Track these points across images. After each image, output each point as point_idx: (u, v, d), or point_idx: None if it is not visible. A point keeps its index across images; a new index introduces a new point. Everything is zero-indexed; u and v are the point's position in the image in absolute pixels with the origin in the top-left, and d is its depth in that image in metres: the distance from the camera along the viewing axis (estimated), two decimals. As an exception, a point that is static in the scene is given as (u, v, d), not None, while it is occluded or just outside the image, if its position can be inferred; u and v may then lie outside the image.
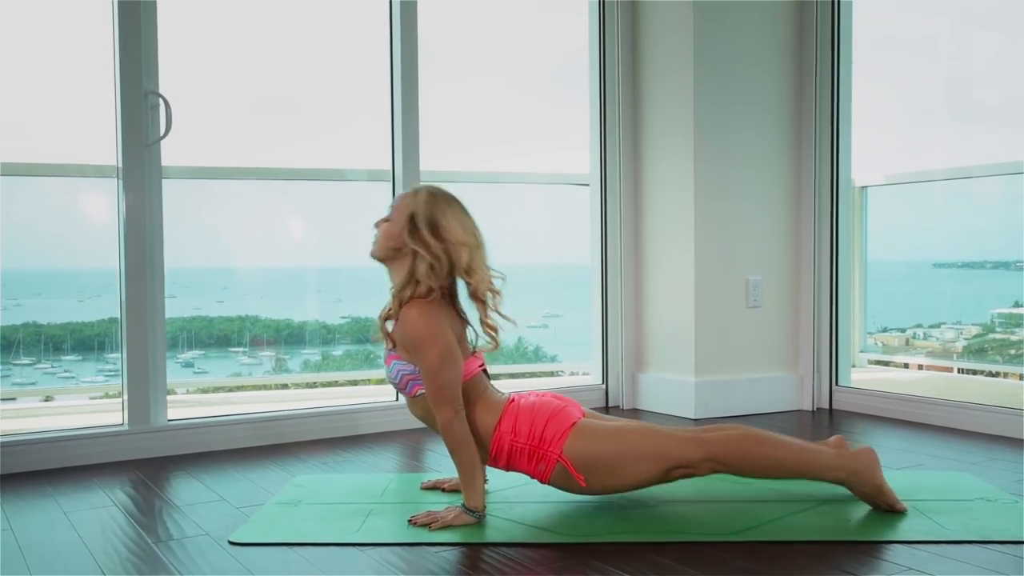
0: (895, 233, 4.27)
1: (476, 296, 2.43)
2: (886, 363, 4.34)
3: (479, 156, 4.06)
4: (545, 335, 4.55)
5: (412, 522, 2.36)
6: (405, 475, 2.96)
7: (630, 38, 4.10)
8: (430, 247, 2.37)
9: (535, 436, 2.39)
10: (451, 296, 2.47)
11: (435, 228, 2.38)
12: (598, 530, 2.31)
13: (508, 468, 2.45)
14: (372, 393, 3.97)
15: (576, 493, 2.45)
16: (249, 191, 3.78)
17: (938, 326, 4.23)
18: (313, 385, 4.19)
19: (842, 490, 2.52)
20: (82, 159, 3.35)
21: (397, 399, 3.70)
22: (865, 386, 4.03)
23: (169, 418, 3.35)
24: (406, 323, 2.35)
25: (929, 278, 4.25)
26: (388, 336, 2.44)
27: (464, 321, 2.49)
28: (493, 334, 2.47)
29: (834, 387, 4.05)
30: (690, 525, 2.35)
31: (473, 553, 2.19)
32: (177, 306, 3.55)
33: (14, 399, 3.70)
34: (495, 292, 2.45)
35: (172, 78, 3.31)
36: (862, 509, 2.44)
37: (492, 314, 2.46)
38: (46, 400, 3.77)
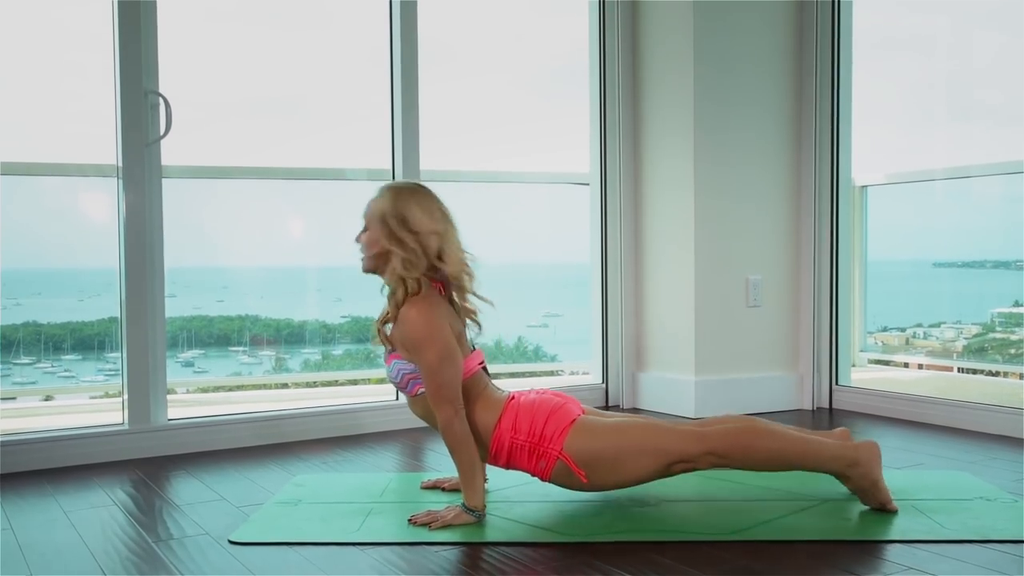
0: (895, 232, 4.27)
1: (452, 281, 2.44)
2: (886, 362, 4.34)
3: (479, 156, 4.06)
4: (545, 334, 4.55)
5: (412, 521, 2.36)
6: (405, 474, 2.96)
7: (630, 38, 4.10)
8: (405, 243, 2.37)
9: (535, 433, 2.39)
10: (449, 293, 2.47)
11: (405, 222, 2.38)
12: (598, 529, 2.31)
13: (508, 466, 2.45)
14: (372, 392, 3.97)
15: (577, 490, 2.45)
16: (249, 190, 3.78)
17: (938, 325, 4.23)
18: (313, 384, 4.19)
19: (842, 490, 2.53)
20: (82, 158, 3.35)
21: (397, 398, 3.70)
22: (865, 385, 4.03)
23: (169, 417, 3.35)
24: (405, 323, 2.36)
25: (929, 277, 4.25)
26: (387, 339, 2.45)
27: (463, 318, 2.50)
28: (473, 317, 2.48)
29: (834, 386, 4.05)
30: (690, 524, 2.35)
31: (473, 552, 2.19)
32: (177, 305, 3.55)
33: (14, 398, 3.70)
34: (470, 275, 2.45)
35: (172, 77, 3.31)
36: (862, 509, 2.44)
37: (469, 297, 2.47)
38: (46, 399, 3.77)
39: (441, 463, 3.06)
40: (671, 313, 3.96)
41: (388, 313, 2.43)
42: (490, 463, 2.47)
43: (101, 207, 3.42)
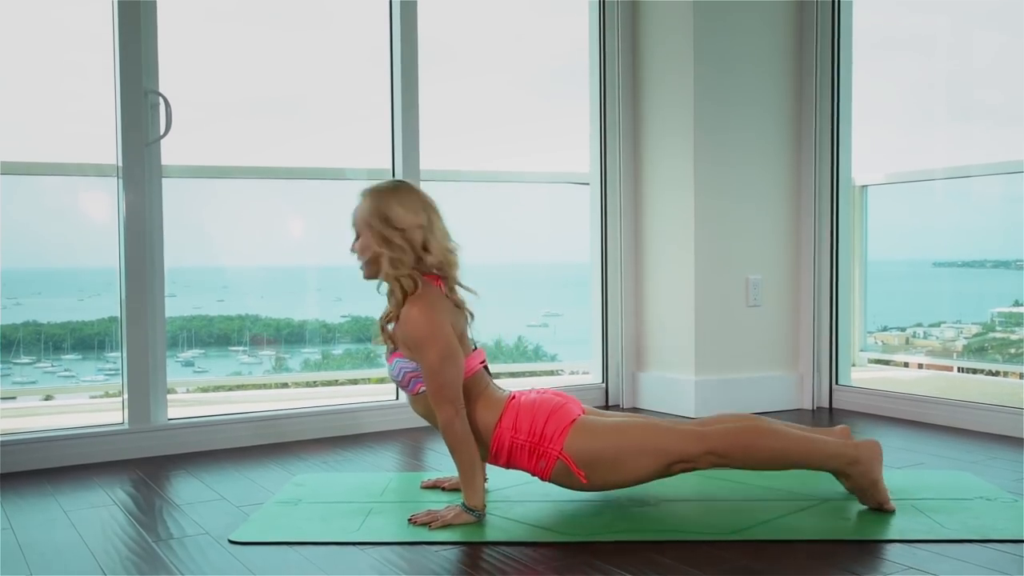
0: (895, 232, 4.27)
1: (437, 271, 2.44)
2: (886, 362, 4.34)
3: (479, 155, 4.06)
4: (545, 334, 4.55)
5: (412, 521, 2.36)
6: (405, 474, 2.96)
7: (630, 38, 4.10)
8: (392, 242, 2.37)
9: (536, 433, 2.39)
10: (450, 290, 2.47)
11: (388, 221, 2.38)
12: (598, 529, 2.31)
13: (508, 465, 2.45)
14: (372, 392, 3.97)
15: (577, 490, 2.45)
16: (249, 190, 3.78)
17: (938, 325, 4.23)
18: (313, 384, 4.19)
19: (843, 489, 2.53)
20: (82, 158, 3.35)
21: (397, 398, 3.70)
22: (865, 385, 4.03)
23: (169, 417, 3.35)
24: (407, 322, 2.36)
25: (929, 277, 4.25)
26: (389, 338, 2.44)
27: (469, 314, 2.50)
28: (462, 305, 2.48)
29: (834, 386, 4.05)
30: (690, 524, 2.35)
31: (473, 552, 2.19)
32: (177, 305, 3.55)
33: (14, 398, 3.70)
34: (454, 264, 2.44)
35: (172, 77, 3.31)
36: (861, 508, 2.44)
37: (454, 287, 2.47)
38: (46, 399, 3.77)
39: (441, 463, 3.06)
40: (671, 313, 3.96)
41: (390, 312, 2.43)
42: (490, 462, 2.47)
43: (101, 207, 3.42)
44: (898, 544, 2.19)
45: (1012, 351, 3.92)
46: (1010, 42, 3.70)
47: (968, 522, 2.31)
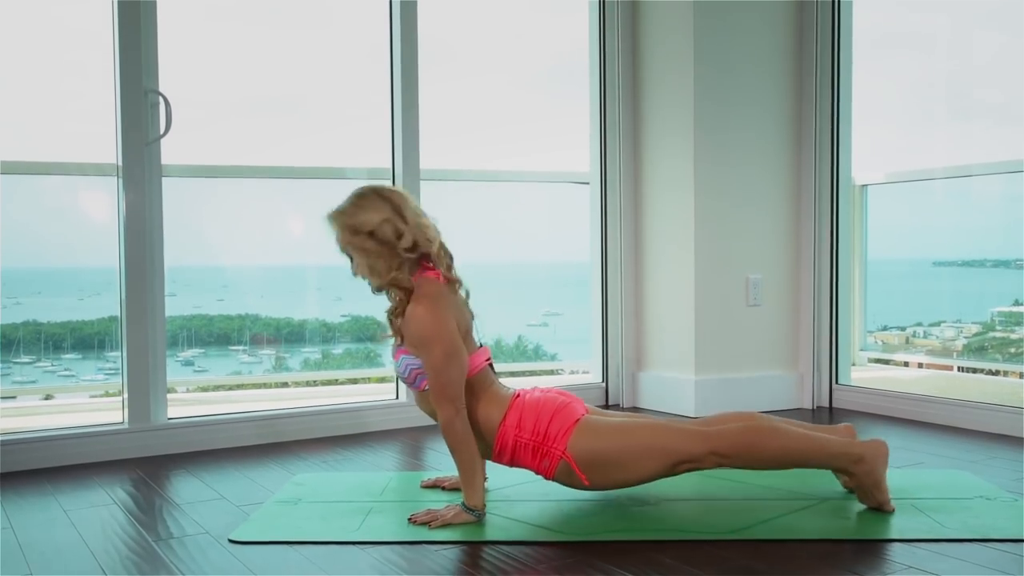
0: (895, 231, 4.27)
1: (428, 257, 2.42)
2: (886, 361, 4.34)
3: (479, 155, 4.06)
4: (545, 333, 4.55)
5: (412, 520, 2.36)
6: (405, 473, 2.96)
7: (630, 37, 4.09)
8: (368, 249, 2.37)
9: (539, 432, 2.39)
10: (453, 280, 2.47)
11: (356, 231, 2.37)
12: (598, 529, 2.31)
13: (512, 464, 2.45)
14: (372, 391, 3.97)
15: (580, 489, 2.45)
16: (249, 189, 3.78)
17: (938, 324, 4.23)
18: (313, 383, 4.19)
19: (843, 489, 2.53)
20: (82, 157, 3.35)
21: (397, 397, 3.71)
22: (865, 384, 4.04)
23: (169, 416, 3.35)
24: (412, 320, 2.35)
25: (929, 276, 4.25)
26: (398, 331, 2.44)
27: (471, 313, 2.50)
28: (451, 275, 2.46)
29: (834, 385, 4.05)
30: (690, 524, 2.35)
31: (473, 551, 2.19)
32: (177, 304, 3.55)
33: (14, 397, 3.70)
34: (431, 239, 2.41)
35: (172, 76, 3.31)
36: (862, 508, 2.44)
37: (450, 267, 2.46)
38: (46, 398, 3.77)
39: (441, 462, 3.06)
40: (671, 312, 3.96)
41: (396, 307, 2.42)
42: (494, 460, 2.47)
43: (101, 206, 3.42)
44: (898, 543, 2.19)
45: (1012, 350, 3.92)
46: (1010, 42, 3.70)
47: (968, 521, 2.31)
